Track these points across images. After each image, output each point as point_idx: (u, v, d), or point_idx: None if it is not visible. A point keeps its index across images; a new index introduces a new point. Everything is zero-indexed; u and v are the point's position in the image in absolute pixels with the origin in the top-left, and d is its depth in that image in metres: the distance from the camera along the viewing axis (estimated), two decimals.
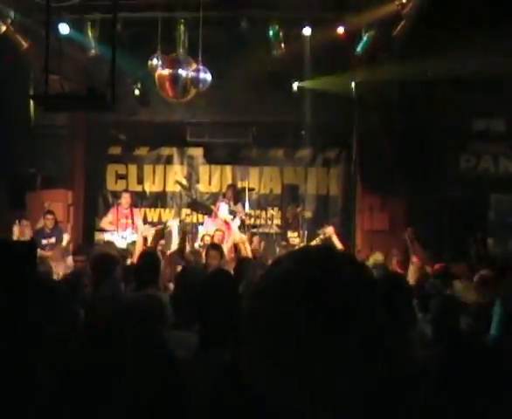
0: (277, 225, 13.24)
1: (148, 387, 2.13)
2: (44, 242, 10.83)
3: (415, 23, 9.78)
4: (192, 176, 14.05)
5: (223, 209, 11.35)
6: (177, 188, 13.56)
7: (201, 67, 9.80)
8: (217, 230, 10.74)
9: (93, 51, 11.15)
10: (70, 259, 9.60)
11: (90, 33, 11.00)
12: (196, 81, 9.84)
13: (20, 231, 10.79)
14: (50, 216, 11.36)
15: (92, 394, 1.59)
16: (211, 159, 14.03)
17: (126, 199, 12.02)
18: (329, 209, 13.76)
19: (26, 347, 2.71)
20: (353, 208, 13.01)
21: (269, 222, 13.32)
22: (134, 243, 10.99)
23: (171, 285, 6.17)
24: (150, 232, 10.90)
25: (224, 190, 13.31)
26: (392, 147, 11.22)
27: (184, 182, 13.63)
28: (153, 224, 12.01)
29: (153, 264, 6.05)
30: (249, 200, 12.35)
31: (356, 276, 1.17)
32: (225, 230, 10.86)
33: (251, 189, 12.92)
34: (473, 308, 4.65)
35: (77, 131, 12.92)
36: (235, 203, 12.49)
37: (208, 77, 9.88)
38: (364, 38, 10.76)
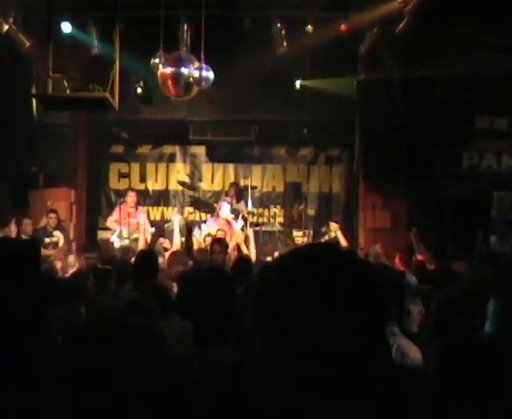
0: (280, 223, 13.24)
1: (149, 384, 2.13)
2: (46, 240, 10.84)
3: (417, 21, 9.76)
4: (195, 174, 14.06)
5: (224, 208, 11.35)
6: (180, 187, 13.58)
7: (203, 65, 9.79)
8: (219, 229, 10.75)
9: (95, 50, 11.15)
10: (72, 258, 9.62)
11: (92, 32, 11.00)
12: (198, 79, 9.83)
13: (22, 230, 10.83)
14: (52, 215, 11.37)
15: (92, 394, 1.59)
16: (213, 157, 14.04)
17: (132, 198, 12.02)
18: (332, 207, 13.78)
19: (29, 346, 2.72)
20: (355, 206, 13.00)
21: (272, 220, 13.33)
22: (135, 240, 11.01)
23: (175, 285, 6.16)
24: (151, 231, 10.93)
25: (226, 188, 13.33)
26: (395, 146, 11.20)
27: (187, 180, 13.63)
28: (158, 223, 12.03)
29: (151, 263, 6.06)
30: (252, 198, 12.35)
31: (358, 274, 1.17)
32: (227, 230, 10.88)
33: (253, 187, 12.92)
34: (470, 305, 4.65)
35: (79, 129, 12.92)
36: (237, 201, 12.49)
37: (210, 75, 9.87)
38: (367, 36, 10.74)
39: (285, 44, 11.07)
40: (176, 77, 9.86)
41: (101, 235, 12.49)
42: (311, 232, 12.07)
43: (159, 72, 10.02)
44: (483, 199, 11.72)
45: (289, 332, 1.11)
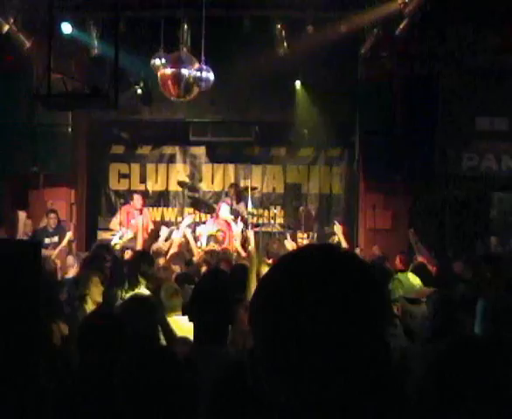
0: (280, 224, 13.24)
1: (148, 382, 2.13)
2: (46, 241, 10.83)
3: (417, 21, 9.77)
4: (195, 175, 14.05)
5: (224, 209, 11.36)
6: (180, 187, 13.58)
7: (204, 66, 9.79)
8: (218, 230, 10.76)
9: (95, 50, 11.15)
10: (70, 258, 9.61)
11: (93, 32, 11.00)
12: (198, 80, 9.83)
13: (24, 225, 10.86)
14: (52, 215, 11.36)
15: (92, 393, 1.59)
16: (213, 158, 14.04)
17: (138, 200, 12.01)
18: (332, 208, 13.77)
19: (31, 349, 2.72)
20: (356, 206, 12.99)
21: (272, 220, 13.32)
22: (131, 239, 10.99)
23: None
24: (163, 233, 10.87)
25: (226, 189, 13.33)
26: (395, 146, 11.21)
27: (187, 180, 13.64)
28: (167, 224, 11.99)
29: (145, 265, 6.07)
30: (252, 199, 12.35)
31: (359, 275, 1.17)
32: (226, 230, 10.90)
33: (253, 188, 12.92)
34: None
35: (79, 130, 12.91)
36: (237, 202, 12.50)
37: (211, 76, 9.88)
38: (367, 37, 10.75)
39: (285, 44, 11.07)
40: (177, 77, 9.86)
41: (101, 235, 12.49)
42: (315, 235, 12.06)
43: (159, 73, 10.03)
44: (483, 200, 11.73)
45: (289, 331, 1.11)
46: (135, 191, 13.22)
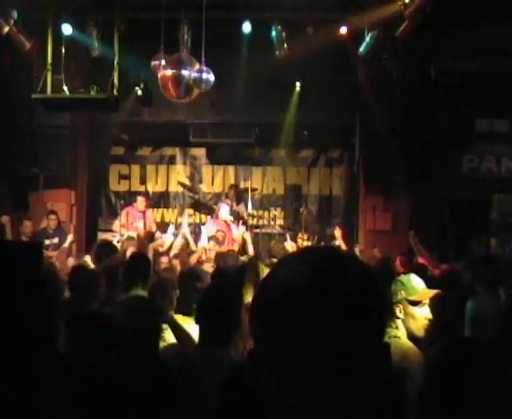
0: (280, 225, 13.25)
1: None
2: (47, 242, 10.83)
3: (418, 23, 9.77)
4: (195, 177, 14.06)
5: (223, 209, 11.37)
6: (180, 189, 13.58)
7: (204, 67, 9.79)
8: (218, 230, 10.77)
9: (96, 52, 11.15)
10: (71, 260, 9.60)
11: (93, 33, 11.00)
12: (199, 81, 9.83)
13: (21, 231, 10.83)
14: (53, 217, 11.36)
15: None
16: (213, 159, 14.05)
17: (142, 202, 11.97)
18: (332, 210, 13.78)
19: (31, 350, 2.72)
20: (356, 208, 13.00)
21: (272, 222, 13.32)
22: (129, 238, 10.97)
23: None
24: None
25: (226, 190, 13.34)
26: (395, 148, 11.21)
27: (187, 182, 13.65)
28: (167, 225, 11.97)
29: (142, 266, 6.06)
30: (252, 200, 12.35)
31: (359, 276, 1.17)
32: (226, 231, 10.91)
33: (253, 190, 12.93)
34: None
35: (80, 131, 12.92)
36: (237, 204, 12.50)
37: (211, 77, 9.88)
38: (367, 39, 10.74)
39: (285, 46, 11.07)
40: (177, 79, 9.86)
41: (102, 236, 12.49)
42: (315, 236, 12.05)
43: (159, 74, 10.02)
44: (483, 202, 11.73)
45: (289, 333, 1.11)
46: (136, 192, 13.22)
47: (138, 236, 10.87)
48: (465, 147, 11.86)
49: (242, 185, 13.40)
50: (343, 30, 10.81)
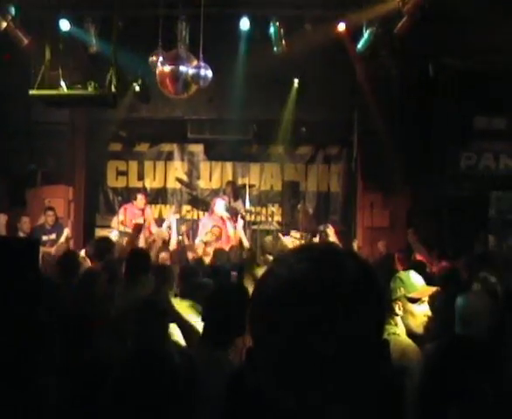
0: (277, 222, 13.25)
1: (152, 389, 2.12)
2: (44, 238, 10.82)
3: (416, 20, 9.76)
4: (193, 173, 14.06)
5: (219, 205, 11.37)
6: (178, 185, 13.57)
7: (202, 64, 9.79)
8: (214, 226, 10.77)
9: (94, 48, 11.13)
10: None
11: (91, 30, 10.98)
12: (196, 78, 9.82)
13: (19, 228, 10.82)
14: (50, 213, 11.35)
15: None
16: (211, 155, 14.04)
17: (142, 200, 11.96)
18: (330, 206, 13.79)
19: (30, 348, 2.71)
20: (354, 205, 13.01)
21: (269, 218, 13.33)
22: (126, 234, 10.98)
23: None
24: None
25: (224, 187, 13.34)
26: (393, 145, 11.21)
27: (185, 178, 13.65)
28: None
29: (143, 262, 6.07)
30: (249, 196, 12.35)
31: (359, 274, 1.17)
32: (222, 227, 10.90)
33: (251, 186, 12.93)
34: None
35: (77, 127, 12.90)
36: (235, 200, 12.50)
37: (209, 73, 9.87)
38: (365, 35, 10.74)
39: (283, 42, 11.06)
40: (175, 75, 9.86)
41: (99, 233, 12.48)
42: (313, 233, 12.04)
43: (157, 71, 10.02)
44: (481, 199, 11.73)
45: (288, 332, 1.10)
46: (133, 189, 13.21)
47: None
48: (463, 144, 11.86)
49: (240, 181, 13.39)
50: (342, 26, 10.81)
